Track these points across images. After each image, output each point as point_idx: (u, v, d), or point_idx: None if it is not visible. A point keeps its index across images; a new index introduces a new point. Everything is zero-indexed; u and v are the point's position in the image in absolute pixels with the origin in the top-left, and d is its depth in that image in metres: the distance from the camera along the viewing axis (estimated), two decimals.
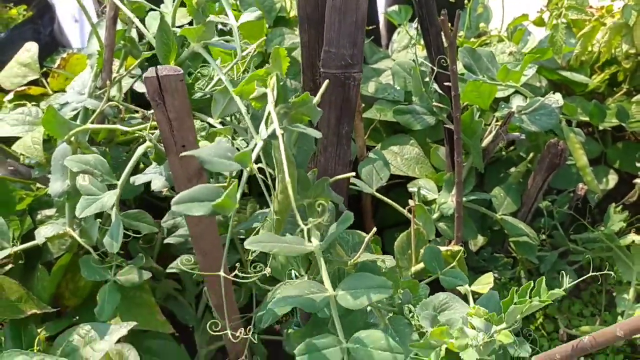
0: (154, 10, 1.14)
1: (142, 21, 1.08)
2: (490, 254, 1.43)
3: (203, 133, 1.12)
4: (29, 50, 1.49)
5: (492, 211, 1.30)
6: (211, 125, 0.95)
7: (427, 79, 1.23)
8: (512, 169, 1.47)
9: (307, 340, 0.68)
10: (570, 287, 1.42)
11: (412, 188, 1.30)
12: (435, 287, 0.94)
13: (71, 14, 2.71)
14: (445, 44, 1.09)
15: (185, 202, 0.67)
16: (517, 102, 1.25)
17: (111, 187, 0.95)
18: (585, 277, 0.83)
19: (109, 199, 0.92)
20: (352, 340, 0.69)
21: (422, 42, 1.25)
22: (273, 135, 0.67)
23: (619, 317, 1.31)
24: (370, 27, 1.63)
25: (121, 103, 1.15)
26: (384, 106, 1.39)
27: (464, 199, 1.23)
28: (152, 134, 0.97)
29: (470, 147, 1.23)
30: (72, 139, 1.02)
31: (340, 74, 0.79)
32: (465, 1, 1.63)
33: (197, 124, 1.08)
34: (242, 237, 1.16)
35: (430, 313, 0.83)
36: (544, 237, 1.44)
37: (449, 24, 0.99)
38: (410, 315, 0.83)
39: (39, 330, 1.08)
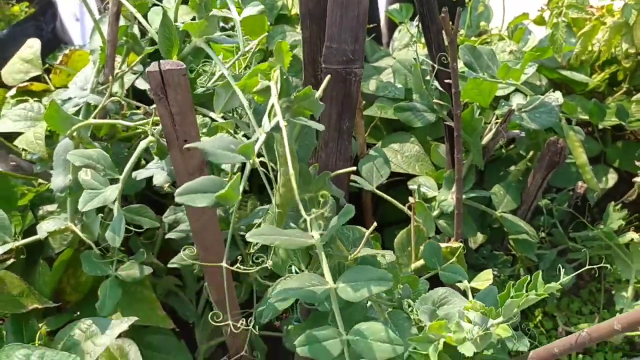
0: (157, 5, 1.14)
1: (145, 18, 1.08)
2: (489, 252, 1.43)
3: (205, 130, 1.13)
4: (32, 46, 1.49)
5: (492, 209, 1.31)
6: (213, 120, 0.96)
7: (427, 77, 1.23)
8: (512, 167, 1.47)
9: (307, 331, 0.68)
10: (569, 285, 1.44)
11: (412, 185, 1.31)
12: (435, 283, 0.95)
13: (72, 12, 2.71)
14: (446, 42, 1.10)
15: (188, 193, 0.67)
16: (517, 100, 1.26)
17: (113, 181, 0.95)
18: (582, 270, 0.84)
19: (112, 193, 0.92)
20: (352, 332, 0.69)
21: (422, 40, 1.25)
22: (276, 128, 0.68)
23: (618, 315, 1.32)
24: (371, 26, 1.63)
25: (123, 99, 1.15)
26: (385, 104, 1.40)
27: (464, 196, 1.23)
28: (154, 129, 0.98)
29: (470, 144, 1.24)
30: (75, 134, 1.03)
31: (342, 70, 0.79)
32: (466, 0, 1.64)
33: (198, 120, 1.09)
34: (242, 233, 1.16)
35: (429, 307, 0.83)
36: (543, 235, 1.44)
37: (450, 22, 0.99)
38: (410, 309, 0.83)
39: (40, 325, 1.09)
